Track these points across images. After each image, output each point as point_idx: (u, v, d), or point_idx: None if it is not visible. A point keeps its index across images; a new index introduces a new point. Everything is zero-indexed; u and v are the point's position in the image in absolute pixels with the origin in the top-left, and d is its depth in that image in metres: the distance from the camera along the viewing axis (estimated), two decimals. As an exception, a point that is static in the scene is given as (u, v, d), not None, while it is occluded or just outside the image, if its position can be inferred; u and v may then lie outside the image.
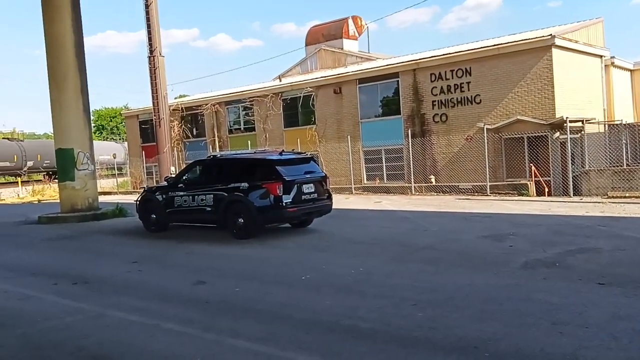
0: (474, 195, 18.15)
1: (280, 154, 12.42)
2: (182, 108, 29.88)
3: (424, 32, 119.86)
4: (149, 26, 28.75)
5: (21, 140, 49.44)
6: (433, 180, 20.60)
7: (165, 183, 13.75)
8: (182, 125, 30.14)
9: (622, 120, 21.07)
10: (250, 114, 27.24)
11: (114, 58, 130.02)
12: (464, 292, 6.77)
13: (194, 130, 30.05)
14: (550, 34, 18.00)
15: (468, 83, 20.09)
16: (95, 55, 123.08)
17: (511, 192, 17.44)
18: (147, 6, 28.73)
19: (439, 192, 19.62)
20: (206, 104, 28.75)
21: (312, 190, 11.91)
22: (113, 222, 15.88)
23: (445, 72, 20.63)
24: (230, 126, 28.50)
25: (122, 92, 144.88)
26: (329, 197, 12.54)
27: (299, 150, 20.20)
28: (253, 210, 11.40)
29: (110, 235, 13.53)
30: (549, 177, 18.09)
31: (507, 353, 4.76)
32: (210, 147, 28.19)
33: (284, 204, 11.29)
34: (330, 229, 12.52)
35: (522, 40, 18.97)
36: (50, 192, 33.69)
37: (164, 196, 13.16)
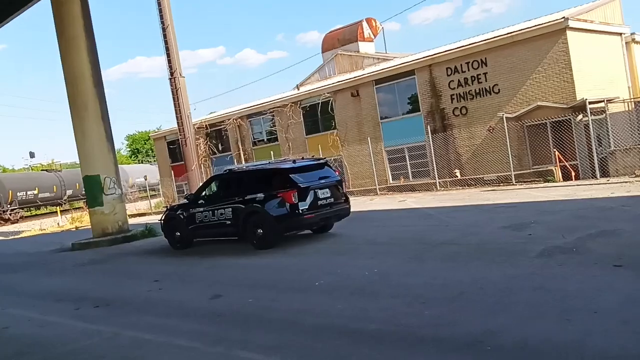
0: (500, 186, 17.87)
1: (294, 162, 12.51)
2: (206, 125, 30.33)
3: (447, 27, 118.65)
4: (167, 49, 29.27)
5: (59, 171, 50.98)
6: (458, 174, 20.36)
7: (185, 200, 13.98)
8: (207, 142, 30.58)
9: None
10: (272, 124, 27.47)
11: (145, 83, 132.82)
12: (477, 286, 6.69)
13: (220, 145, 30.44)
14: (564, 17, 17.61)
15: (485, 74, 19.82)
16: (128, 81, 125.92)
17: (537, 179, 17.11)
18: (164, 29, 29.27)
19: (464, 186, 19.38)
20: (229, 119, 29.12)
21: (328, 195, 11.96)
22: (142, 243, 16.21)
23: (461, 65, 20.40)
24: (254, 138, 28.77)
25: (155, 115, 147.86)
26: (347, 201, 12.59)
27: (318, 157, 20.29)
28: (270, 219, 11.50)
29: (137, 256, 13.82)
30: (576, 161, 17.69)
31: (512, 345, 4.70)
32: (236, 160, 28.50)
33: (301, 211, 11.36)
34: (351, 231, 12.54)
35: (536, 25, 18.61)
36: (87, 218, 34.60)
37: (185, 213, 13.38)
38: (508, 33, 19.24)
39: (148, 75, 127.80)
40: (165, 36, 29.42)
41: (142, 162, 79.86)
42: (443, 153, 21.21)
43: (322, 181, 11.98)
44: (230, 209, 12.26)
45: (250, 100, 38.58)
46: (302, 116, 25.94)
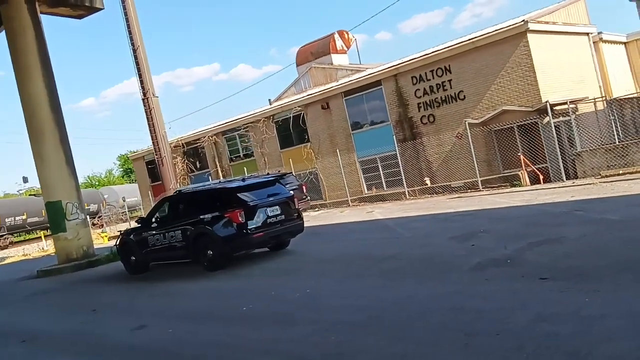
0: (467, 192, 17.61)
1: (243, 180, 12.25)
2: (182, 144, 30.11)
3: (438, 33, 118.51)
4: (139, 70, 28.99)
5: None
6: (428, 182, 20.10)
7: (137, 224, 13.65)
8: (185, 160, 30.34)
9: (605, 97, 20.27)
10: (246, 140, 27.25)
11: (140, 103, 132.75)
12: (398, 307, 6.42)
13: (197, 163, 30.21)
14: (524, 20, 17.45)
15: (450, 81, 19.62)
16: (123, 102, 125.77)
17: (504, 184, 16.86)
18: (134, 51, 28.95)
19: (433, 194, 19.14)
20: (204, 137, 28.90)
21: (279, 212, 11.65)
22: (104, 268, 15.85)
23: (426, 73, 20.21)
24: (230, 155, 28.54)
25: (147, 135, 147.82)
26: (299, 217, 12.28)
27: (285, 171, 20.05)
28: (218, 240, 11.18)
29: (92, 283, 13.49)
30: (546, 164, 17.45)
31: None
32: (213, 178, 28.24)
33: (249, 231, 11.06)
34: (306, 248, 12.28)
35: (496, 30, 18.45)
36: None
37: (138, 237, 13.07)
38: (470, 39, 19.07)
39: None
40: (136, 57, 29.07)
41: (134, 182, 79.52)
42: (414, 162, 20.97)
43: (271, 198, 11.69)
44: (180, 231, 11.95)
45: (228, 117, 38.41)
46: (275, 130, 25.73)
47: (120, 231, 14.37)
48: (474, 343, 4.84)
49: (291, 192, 12.55)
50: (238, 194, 11.46)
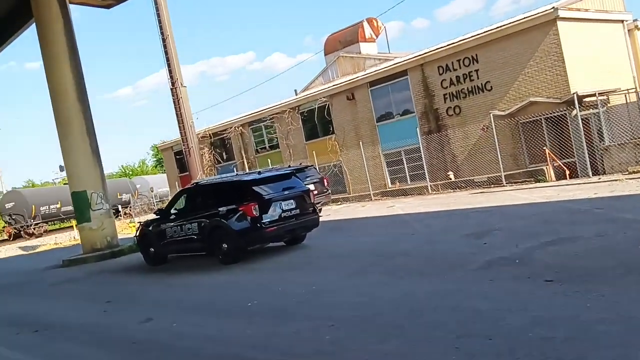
0: (490, 187, 17.23)
1: (259, 173, 12.22)
2: (210, 134, 30.33)
3: (477, 20, 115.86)
4: (167, 59, 29.35)
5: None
6: (452, 176, 19.75)
7: (156, 216, 13.75)
8: (212, 151, 30.57)
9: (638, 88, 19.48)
10: (272, 131, 27.27)
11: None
12: (397, 305, 6.32)
13: (224, 154, 30.41)
14: (553, 7, 16.89)
15: (476, 71, 19.18)
16: (160, 91, 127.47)
17: (528, 179, 16.42)
18: (164, 40, 29.31)
19: (455, 189, 18.80)
20: (231, 127, 29.04)
21: (293, 206, 11.57)
22: (127, 259, 16.09)
23: (452, 62, 19.81)
24: (256, 146, 28.62)
25: (202, 122, 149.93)
26: (315, 211, 12.19)
27: (307, 164, 20.01)
28: (233, 234, 11.19)
29: (112, 273, 13.70)
30: (574, 158, 16.92)
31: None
32: (239, 169, 28.38)
33: (262, 225, 11.03)
34: (321, 242, 12.21)
35: (525, 18, 17.90)
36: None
37: (157, 229, 13.19)
38: (497, 27, 18.58)
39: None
40: (165, 47, 29.48)
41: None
42: (439, 155, 20.64)
43: (286, 192, 11.61)
44: (197, 224, 12.00)
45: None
46: (300, 122, 25.66)
47: (140, 222, 14.53)
48: (465, 345, 4.71)
49: (307, 186, 12.44)
50: (253, 187, 11.45)
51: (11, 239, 42.33)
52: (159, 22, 29.18)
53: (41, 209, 43.11)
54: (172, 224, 12.71)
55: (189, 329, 6.91)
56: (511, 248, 8.16)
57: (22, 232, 41.22)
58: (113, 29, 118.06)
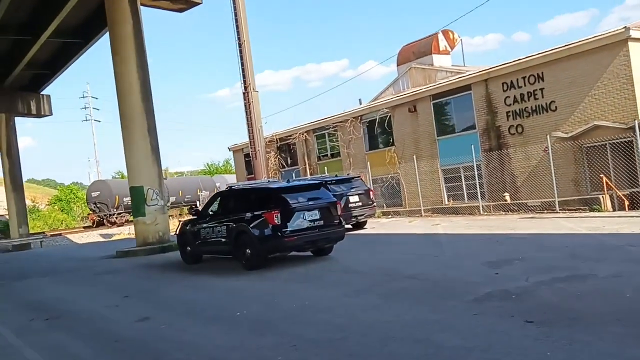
0: (543, 213, 16.33)
1: (288, 181, 12.28)
2: (276, 139, 30.85)
3: (581, 36, 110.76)
4: (242, 64, 30.10)
5: (165, 178, 53.99)
6: (507, 198, 18.90)
7: (194, 216, 14.13)
8: (277, 156, 31.08)
9: None
10: (334, 139, 27.34)
11: (269, 95, 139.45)
12: (369, 331, 6.15)
13: (288, 159, 30.83)
14: (625, 27, 15.78)
15: (542, 89, 18.28)
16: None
17: (583, 207, 15.41)
18: (240, 45, 30.09)
19: (507, 211, 17.97)
20: (296, 134, 29.40)
21: (317, 217, 11.50)
22: (172, 255, 16.60)
23: (517, 79, 18.99)
24: (318, 153, 28.78)
25: (276, 126, 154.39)
26: (340, 224, 12.04)
27: (355, 175, 19.87)
28: (254, 240, 11.30)
29: (150, 268, 14.23)
30: (638, 187, 15.72)
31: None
32: (301, 175, 28.67)
33: (283, 233, 11.07)
34: (345, 256, 12.09)
35: (594, 37, 16.84)
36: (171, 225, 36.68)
37: (193, 228, 13.57)
38: (565, 45, 17.61)
39: (273, 89, 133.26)
40: (241, 52, 30.33)
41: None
42: (498, 174, 19.84)
43: (311, 202, 11.57)
44: (225, 227, 12.24)
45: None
46: (362, 132, 25.54)
47: (181, 220, 14.99)
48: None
49: (334, 197, 12.33)
50: (277, 195, 11.53)
51: (94, 225, 44.96)
52: (237, 27, 30.11)
53: (124, 199, 45.27)
54: (206, 225, 13.03)
55: (172, 332, 7.05)
56: (519, 281, 7.71)
57: (104, 220, 43.56)
58: (214, 32, 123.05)
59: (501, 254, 10.18)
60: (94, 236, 38.43)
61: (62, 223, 59.57)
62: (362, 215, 17.66)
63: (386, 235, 15.78)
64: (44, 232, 42.80)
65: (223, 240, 12.30)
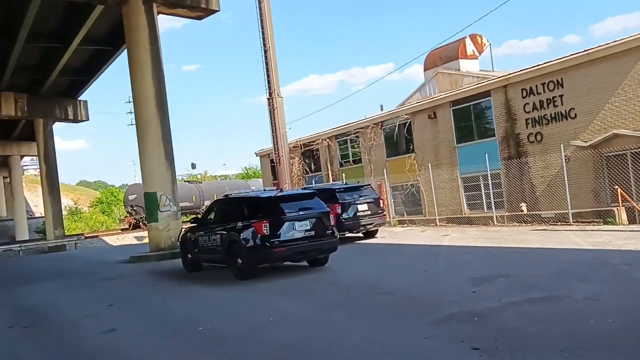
0: (556, 225, 15.67)
1: (280, 190, 12.18)
2: (300, 145, 30.81)
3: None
4: (267, 70, 30.22)
5: (200, 182, 54.96)
6: (524, 208, 18.23)
7: (193, 223, 14.15)
8: (301, 161, 31.04)
9: None
10: (356, 145, 27.09)
11: (314, 99, 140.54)
12: (310, 351, 6.02)
13: (312, 165, 30.74)
14: (646, 30, 15.04)
15: (561, 96, 17.57)
16: (299, 98, 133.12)
17: (597, 220, 14.69)
18: (265, 51, 30.23)
19: (521, 223, 17.33)
20: (319, 139, 29.28)
21: (308, 227, 11.33)
22: (179, 261, 16.76)
23: (537, 85, 18.32)
24: (341, 159, 28.57)
25: (294, 130, 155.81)
26: (332, 234, 11.82)
27: (364, 183, 19.59)
28: (244, 250, 11.24)
29: (151, 275, 14.31)
30: (661, 200, 14.92)
31: None
32: (324, 181, 28.53)
33: (271, 244, 10.95)
34: (339, 267, 11.95)
35: (615, 42, 16.08)
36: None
37: (193, 236, 13.61)
38: (585, 51, 16.89)
39: (318, 92, 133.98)
40: (266, 57, 30.46)
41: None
42: (517, 183, 19.20)
43: (302, 213, 11.41)
44: (219, 236, 12.23)
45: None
46: (383, 138, 25.20)
47: (184, 228, 15.06)
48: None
49: (327, 208, 12.12)
50: (267, 205, 11.44)
51: (130, 228, 45.96)
52: (262, 33, 30.23)
53: (159, 203, 46.16)
54: (203, 232, 13.05)
55: (126, 346, 7.05)
56: (491, 301, 7.37)
57: (140, 223, 44.43)
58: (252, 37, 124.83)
59: (490, 270, 9.80)
60: (129, 238, 39.20)
61: (102, 225, 61.20)
62: (371, 224, 17.36)
63: (391, 246, 15.46)
64: (82, 234, 44.06)
65: (218, 249, 12.28)
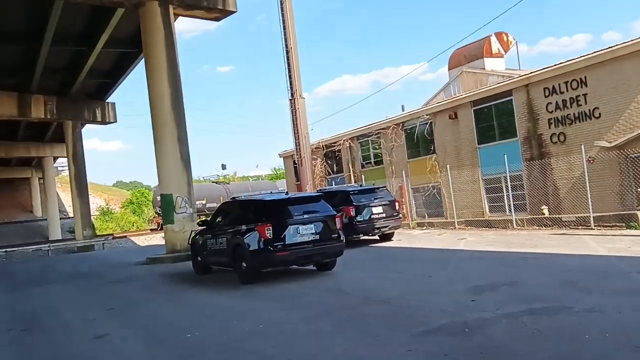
0: (577, 228, 15.04)
1: (286, 193, 11.98)
2: (323, 146, 30.57)
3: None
4: (289, 71, 30.09)
5: (227, 183, 55.27)
6: (545, 211, 17.60)
7: (202, 226, 14.02)
8: (323, 163, 30.81)
9: None
10: (377, 146, 26.72)
11: (348, 99, 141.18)
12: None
13: (334, 166, 30.46)
14: (673, 25, 14.32)
15: (584, 95, 16.91)
16: (333, 98, 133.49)
17: (619, 224, 14.04)
18: (287, 52, 30.12)
19: (541, 226, 16.71)
20: (341, 140, 29.00)
21: (312, 231, 11.09)
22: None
23: (559, 84, 17.67)
24: (362, 160, 28.23)
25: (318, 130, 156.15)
26: (338, 238, 11.53)
27: (380, 185, 19.21)
28: (247, 254, 11.07)
29: (160, 278, 14.25)
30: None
31: None
32: (346, 182, 28.24)
33: (274, 247, 10.75)
34: (344, 272, 11.71)
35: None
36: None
37: (202, 238, 13.51)
38: (609, 48, 16.20)
39: (353, 92, 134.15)
40: (288, 59, 30.29)
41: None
42: (540, 185, 18.56)
43: (307, 216, 11.18)
44: (225, 239, 12.12)
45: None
46: (404, 139, 24.76)
47: (194, 230, 14.98)
48: None
49: (333, 211, 11.85)
50: (271, 208, 11.26)
51: (159, 228, 46.40)
52: (284, 34, 30.11)
53: (187, 204, 46.54)
54: (211, 235, 12.94)
55: (107, 353, 6.95)
56: (487, 312, 7.01)
57: (168, 224, 44.75)
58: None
59: (496, 277, 9.40)
60: (156, 239, 39.56)
61: (133, 225, 62.10)
62: (386, 227, 17.01)
63: (404, 249, 15.10)
64: (111, 234, 44.73)
65: (224, 252, 12.15)
